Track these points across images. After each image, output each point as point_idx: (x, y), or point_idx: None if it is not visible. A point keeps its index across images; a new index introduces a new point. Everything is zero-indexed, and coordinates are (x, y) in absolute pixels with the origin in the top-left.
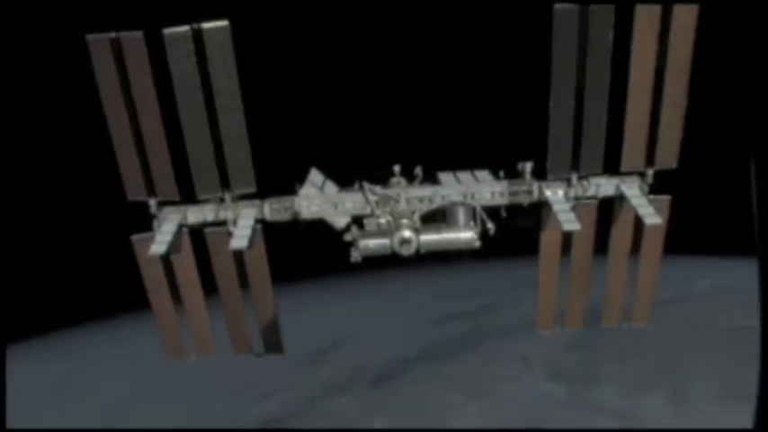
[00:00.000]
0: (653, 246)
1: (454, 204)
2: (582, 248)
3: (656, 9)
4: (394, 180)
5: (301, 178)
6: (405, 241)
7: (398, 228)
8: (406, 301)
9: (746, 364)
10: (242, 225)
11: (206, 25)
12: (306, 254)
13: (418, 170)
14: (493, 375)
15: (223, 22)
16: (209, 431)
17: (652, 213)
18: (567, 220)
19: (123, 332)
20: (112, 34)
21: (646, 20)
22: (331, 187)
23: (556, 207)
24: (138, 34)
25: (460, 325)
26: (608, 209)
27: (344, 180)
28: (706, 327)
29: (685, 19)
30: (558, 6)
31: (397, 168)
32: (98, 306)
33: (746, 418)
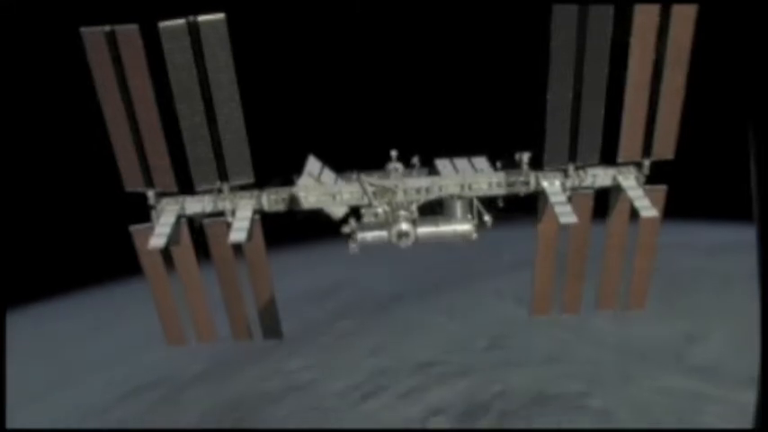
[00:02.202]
0: (649, 236)
1: (451, 197)
2: (578, 238)
3: (654, 8)
4: (391, 166)
5: (299, 168)
6: (402, 234)
7: (396, 220)
8: (402, 253)
9: (683, 291)
10: (240, 217)
11: (202, 18)
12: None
13: (415, 159)
14: (471, 304)
15: (219, 15)
16: (212, 431)
17: (648, 206)
18: (564, 213)
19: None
20: (107, 27)
21: (645, 18)
22: (328, 175)
23: (552, 199)
24: (134, 27)
25: (449, 270)
26: (605, 195)
27: (342, 166)
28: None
29: (685, 12)
30: (557, 6)
31: (394, 153)
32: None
33: (676, 330)
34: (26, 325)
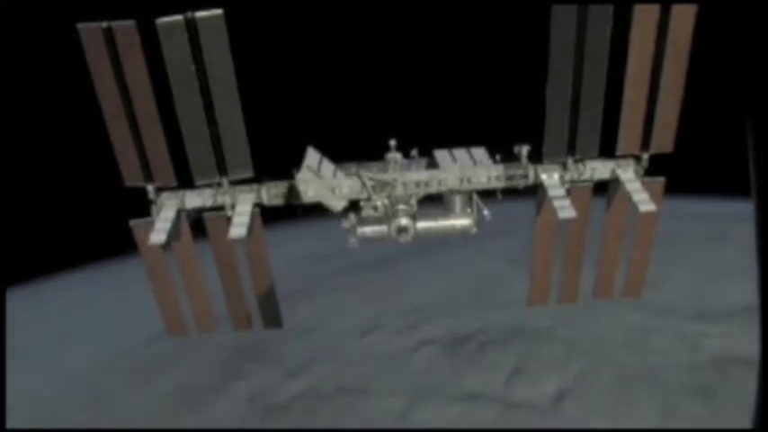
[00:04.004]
0: (647, 228)
1: (450, 191)
2: (576, 229)
3: (654, 8)
4: (390, 156)
5: (298, 162)
6: (402, 229)
7: (395, 214)
8: None
9: (654, 249)
10: (240, 212)
11: (200, 14)
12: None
13: (414, 152)
14: (462, 261)
15: (217, 11)
16: (214, 431)
17: (646, 200)
18: (563, 207)
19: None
20: (105, 24)
21: (645, 18)
22: (328, 167)
23: (551, 193)
24: (131, 23)
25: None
26: (603, 185)
27: (342, 157)
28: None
29: (685, 12)
30: (556, 6)
31: (393, 143)
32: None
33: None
34: (29, 300)
